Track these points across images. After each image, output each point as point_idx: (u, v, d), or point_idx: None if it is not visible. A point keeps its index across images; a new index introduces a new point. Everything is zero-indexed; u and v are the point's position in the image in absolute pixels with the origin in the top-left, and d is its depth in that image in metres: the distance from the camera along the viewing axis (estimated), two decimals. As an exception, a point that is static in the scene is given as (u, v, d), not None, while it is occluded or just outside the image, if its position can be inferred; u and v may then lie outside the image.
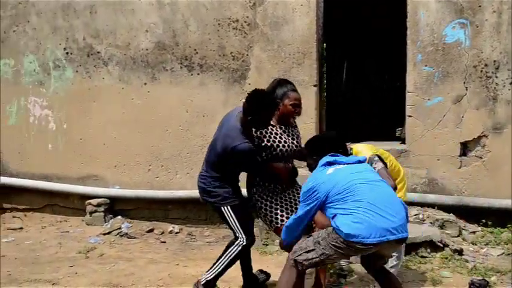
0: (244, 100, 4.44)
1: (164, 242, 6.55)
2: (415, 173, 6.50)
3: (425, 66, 6.44)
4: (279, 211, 4.50)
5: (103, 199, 7.23)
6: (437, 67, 6.39)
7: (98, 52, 7.37)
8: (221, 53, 6.98)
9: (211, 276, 4.65)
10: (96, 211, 7.19)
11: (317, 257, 3.77)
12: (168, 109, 7.12)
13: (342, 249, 3.69)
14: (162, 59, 7.16)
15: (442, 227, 6.02)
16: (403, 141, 6.89)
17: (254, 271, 4.99)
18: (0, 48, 7.73)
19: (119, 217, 7.26)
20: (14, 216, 7.68)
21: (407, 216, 3.83)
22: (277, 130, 4.59)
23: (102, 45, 7.34)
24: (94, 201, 7.20)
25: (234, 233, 4.65)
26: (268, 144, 4.51)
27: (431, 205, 6.35)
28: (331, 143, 4.18)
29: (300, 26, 6.72)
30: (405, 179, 4.91)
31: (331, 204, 3.74)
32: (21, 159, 7.76)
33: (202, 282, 4.65)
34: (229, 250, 4.64)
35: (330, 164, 3.92)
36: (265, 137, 4.52)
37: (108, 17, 7.27)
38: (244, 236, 4.61)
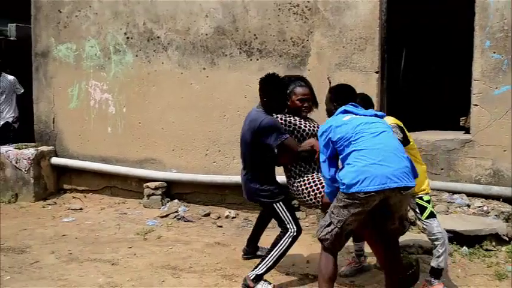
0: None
1: (221, 227, 6.54)
2: (480, 163, 6.27)
3: (494, 53, 6.18)
4: (319, 185, 4.59)
5: (160, 182, 7.29)
6: (507, 54, 6.12)
7: (158, 37, 7.40)
8: (281, 38, 6.90)
9: (262, 271, 4.63)
10: (153, 194, 7.26)
11: (335, 227, 3.83)
12: (226, 94, 7.10)
13: (351, 206, 3.74)
14: (221, 44, 7.13)
15: (507, 220, 5.79)
16: (467, 130, 6.65)
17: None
18: (63, 33, 7.88)
19: (176, 200, 7.30)
20: (74, 197, 7.85)
21: (413, 169, 3.84)
22: (295, 118, 4.82)
23: (162, 30, 7.37)
24: (152, 184, 7.27)
25: (284, 225, 4.72)
26: (291, 128, 4.72)
27: (496, 197, 6.11)
28: (354, 92, 4.34)
29: (362, 11, 6.56)
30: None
31: (339, 149, 3.87)
32: (81, 141, 7.91)
33: (251, 278, 4.60)
34: (281, 243, 4.68)
35: (346, 112, 4.03)
36: (285, 122, 4.74)
37: (168, 2, 7.29)
38: (295, 227, 4.71)
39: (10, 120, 8.68)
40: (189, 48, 7.26)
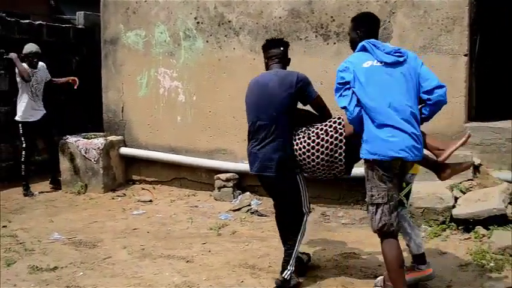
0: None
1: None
2: None
3: None
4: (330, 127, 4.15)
5: (232, 174, 7.00)
6: None
7: (229, 21, 7.07)
8: (360, 21, 6.43)
9: (294, 267, 4.27)
10: (224, 186, 6.97)
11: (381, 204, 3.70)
12: (301, 81, 6.70)
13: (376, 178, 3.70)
14: (296, 27, 6.73)
15: None
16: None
17: None
18: (132, 19, 7.67)
19: (248, 193, 6.99)
20: (143, 189, 7.66)
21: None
22: None
23: (233, 13, 7.03)
24: (223, 176, 6.97)
25: (298, 206, 4.32)
26: None
27: None
28: (377, 20, 4.15)
29: (450, -12, 6.03)
30: None
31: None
32: (150, 131, 7.70)
33: (287, 277, 4.23)
34: (300, 230, 4.31)
35: (366, 49, 3.82)
36: None
37: (240, -16, 6.94)
38: (308, 208, 4.39)
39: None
40: (261, 33, 6.89)
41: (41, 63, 7.68)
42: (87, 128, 8.79)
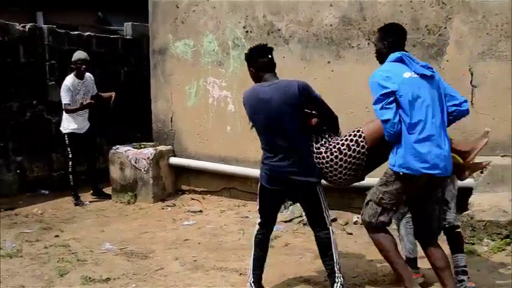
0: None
1: (351, 234, 6.01)
2: None
3: None
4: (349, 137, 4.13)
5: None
6: None
7: (279, 30, 6.98)
8: (414, 27, 6.26)
9: (342, 278, 4.20)
10: (275, 197, 6.85)
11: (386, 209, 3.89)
12: (353, 89, 6.53)
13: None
14: (347, 35, 6.59)
15: None
16: None
17: None
18: (180, 29, 7.66)
19: (298, 204, 6.84)
20: (192, 199, 7.61)
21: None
22: None
23: (283, 22, 6.94)
24: (273, 187, 6.85)
25: (322, 221, 4.19)
26: None
27: None
28: (404, 30, 4.06)
29: (510, -8, 5.82)
30: None
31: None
32: (199, 141, 7.66)
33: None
34: (333, 245, 4.19)
35: (402, 61, 3.80)
36: None
37: (290, -8, 6.85)
38: (330, 218, 4.26)
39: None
40: (312, 41, 6.79)
41: (88, 75, 7.70)
42: (136, 138, 8.83)
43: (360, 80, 6.42)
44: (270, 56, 4.24)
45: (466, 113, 3.94)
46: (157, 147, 7.74)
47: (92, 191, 8.02)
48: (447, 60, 6.14)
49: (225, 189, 7.53)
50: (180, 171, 7.84)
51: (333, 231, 4.22)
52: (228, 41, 7.33)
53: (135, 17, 10.72)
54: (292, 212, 6.66)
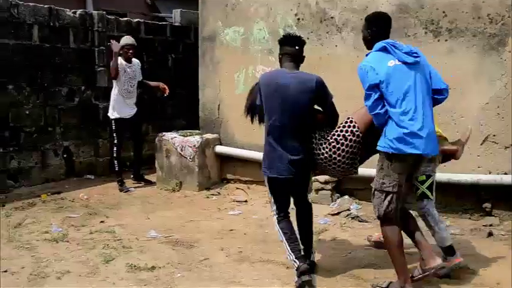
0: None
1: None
2: None
3: None
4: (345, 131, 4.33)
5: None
6: None
7: (332, 17, 6.77)
8: (475, 15, 5.96)
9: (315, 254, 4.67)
10: (322, 189, 6.69)
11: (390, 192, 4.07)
12: (408, 80, 6.30)
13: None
14: (403, 23, 6.33)
15: None
16: None
17: None
18: (230, 16, 7.53)
19: (346, 197, 6.68)
20: (237, 188, 7.51)
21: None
22: None
23: (336, 9, 6.73)
24: (321, 178, 6.66)
25: (306, 198, 4.64)
26: None
27: None
28: (389, 19, 4.29)
29: None
30: None
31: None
32: (246, 130, 7.48)
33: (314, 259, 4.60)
34: (312, 217, 4.70)
35: (385, 49, 4.02)
36: None
37: (344, -22, 6.63)
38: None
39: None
40: (365, 29, 6.55)
41: (135, 60, 7.67)
42: (182, 125, 8.77)
43: (416, 71, 6.21)
44: (296, 47, 4.43)
45: (445, 99, 4.21)
46: (204, 135, 7.65)
47: (132, 176, 8.02)
48: (509, 51, 5.83)
49: (270, 180, 7.37)
50: (226, 160, 7.74)
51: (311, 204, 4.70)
52: (278, 29, 7.14)
53: (183, 4, 10.66)
54: (339, 205, 6.48)
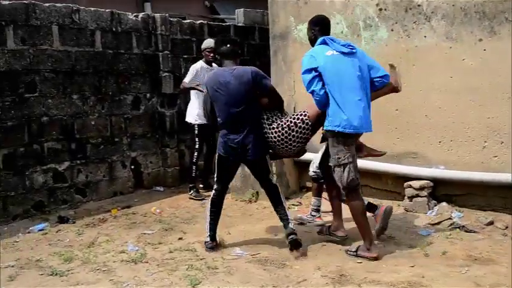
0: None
1: (517, 239, 5.12)
2: None
3: None
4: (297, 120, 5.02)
5: (426, 181, 6.05)
6: None
7: (419, 5, 6.13)
8: None
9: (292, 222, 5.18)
10: (417, 195, 6.05)
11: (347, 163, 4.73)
12: (510, 71, 5.60)
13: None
14: (503, 7, 5.64)
15: None
16: None
17: None
18: (303, 10, 6.97)
19: (444, 203, 6.03)
20: (318, 197, 6.91)
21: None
22: None
23: (424, -4, 6.10)
24: (415, 184, 6.05)
25: (267, 177, 5.20)
26: None
27: None
28: (328, 21, 5.04)
29: None
30: None
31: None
32: (325, 133, 6.95)
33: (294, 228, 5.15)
34: (282, 195, 5.18)
35: (326, 43, 4.76)
36: None
37: (432, -40, 5.99)
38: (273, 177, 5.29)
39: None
40: (459, 16, 5.89)
41: (215, 65, 7.25)
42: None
43: (522, 58, 5.53)
44: (228, 46, 5.06)
45: (386, 83, 4.97)
46: (280, 141, 7.10)
47: (201, 185, 7.66)
48: None
49: (355, 187, 6.77)
50: (304, 167, 7.17)
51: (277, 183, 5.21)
52: (358, 22, 6.56)
53: (242, 5, 10.21)
54: (438, 213, 5.84)
